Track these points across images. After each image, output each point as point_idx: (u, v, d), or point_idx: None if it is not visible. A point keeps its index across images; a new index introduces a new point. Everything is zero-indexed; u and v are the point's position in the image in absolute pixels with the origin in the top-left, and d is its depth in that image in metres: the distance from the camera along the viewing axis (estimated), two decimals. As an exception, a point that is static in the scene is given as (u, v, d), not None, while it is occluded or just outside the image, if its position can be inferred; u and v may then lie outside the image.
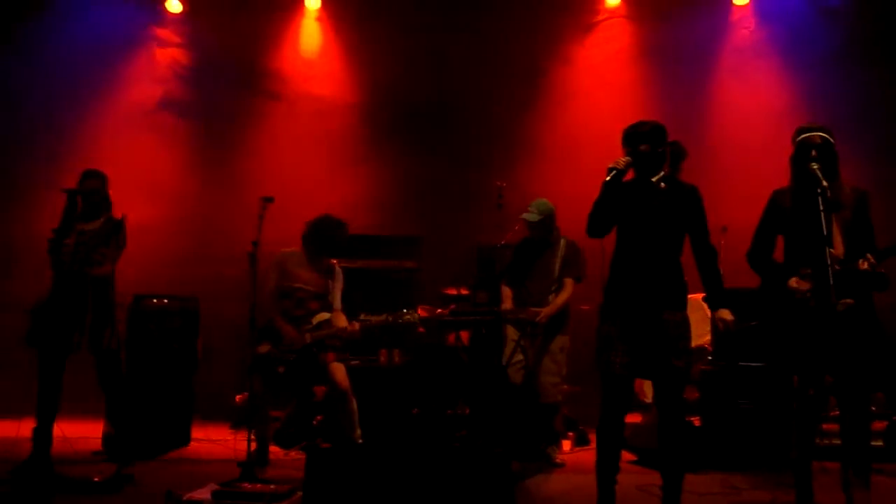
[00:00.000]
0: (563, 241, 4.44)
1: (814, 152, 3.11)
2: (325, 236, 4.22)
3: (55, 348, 3.93)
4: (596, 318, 3.46)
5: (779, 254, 3.35)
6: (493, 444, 4.04)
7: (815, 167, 3.05)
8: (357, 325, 4.10)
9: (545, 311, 4.31)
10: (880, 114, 5.88)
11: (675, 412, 3.07)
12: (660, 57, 6.34)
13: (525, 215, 4.38)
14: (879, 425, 4.35)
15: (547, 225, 4.39)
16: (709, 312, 4.75)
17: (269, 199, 3.94)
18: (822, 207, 2.97)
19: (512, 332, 4.41)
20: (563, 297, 4.37)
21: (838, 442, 3.69)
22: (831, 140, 3.16)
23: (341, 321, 4.16)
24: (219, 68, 6.59)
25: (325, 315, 4.15)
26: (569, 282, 4.38)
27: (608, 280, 3.17)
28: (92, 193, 4.05)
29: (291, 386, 4.22)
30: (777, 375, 4.20)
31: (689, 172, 5.81)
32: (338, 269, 4.31)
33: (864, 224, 3.16)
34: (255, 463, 3.85)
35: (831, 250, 3.01)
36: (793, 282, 3.13)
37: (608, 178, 3.02)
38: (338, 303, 4.24)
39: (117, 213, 4.17)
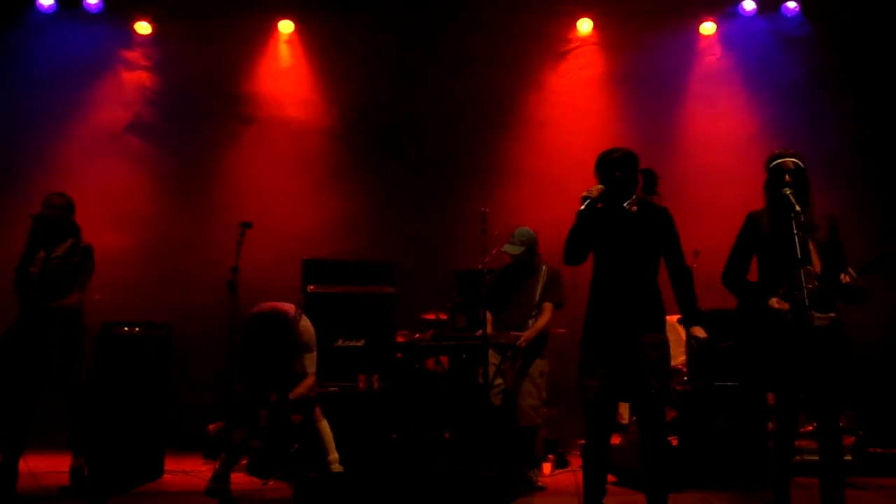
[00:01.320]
0: (544, 268, 4.50)
1: (787, 177, 3.23)
2: (264, 339, 4.12)
3: (23, 382, 3.79)
4: (571, 342, 3.49)
5: (752, 275, 3.45)
6: (481, 469, 4.02)
7: (788, 192, 3.17)
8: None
9: (525, 335, 4.35)
10: (843, 140, 6.11)
11: (657, 433, 3.12)
12: (630, 84, 6.53)
13: (507, 248, 4.41)
14: (847, 440, 4.48)
15: (529, 253, 4.44)
16: (683, 334, 4.87)
17: (247, 225, 3.91)
18: (795, 231, 3.08)
19: (493, 356, 4.42)
20: (543, 321, 4.41)
21: (811, 458, 3.81)
22: (803, 165, 3.29)
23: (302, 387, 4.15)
24: (190, 91, 6.53)
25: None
26: (548, 306, 4.44)
27: (588, 305, 3.21)
28: (56, 219, 3.94)
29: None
30: (752, 394, 4.29)
31: (661, 197, 5.97)
32: (307, 338, 4.22)
33: (836, 245, 3.28)
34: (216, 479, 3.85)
35: (810, 268, 3.12)
36: (773, 302, 3.21)
37: (582, 207, 3.09)
38: (311, 368, 4.22)
39: (86, 238, 4.07)
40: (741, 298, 3.41)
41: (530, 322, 4.41)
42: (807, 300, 3.03)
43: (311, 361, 4.23)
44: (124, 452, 4.37)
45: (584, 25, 6.65)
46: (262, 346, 4.10)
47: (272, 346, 4.11)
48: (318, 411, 4.15)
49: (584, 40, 6.68)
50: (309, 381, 4.20)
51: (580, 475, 3.10)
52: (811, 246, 3.19)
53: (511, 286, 4.48)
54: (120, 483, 4.26)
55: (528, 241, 4.42)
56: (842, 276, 3.14)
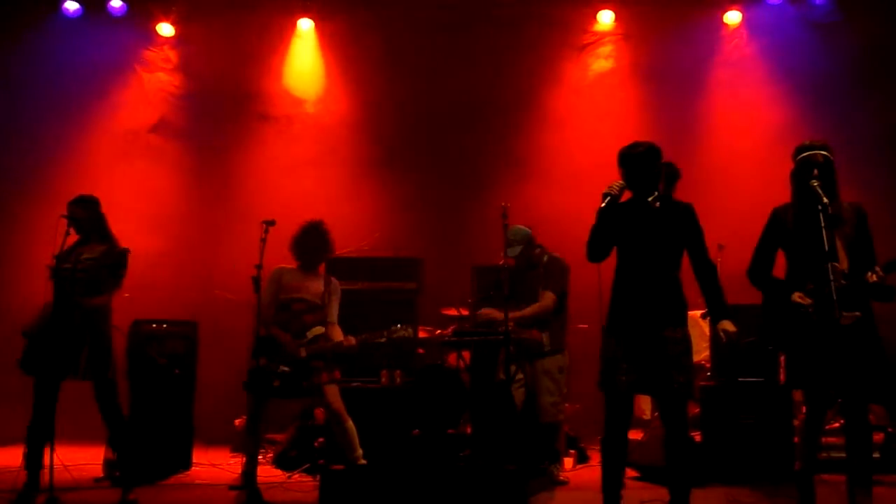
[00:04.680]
0: (546, 258, 4.45)
1: (815, 171, 3.18)
2: (315, 243, 4.24)
3: (50, 374, 3.91)
4: (594, 337, 3.49)
5: (779, 270, 3.39)
6: (502, 463, 4.05)
7: (816, 184, 3.12)
8: (354, 340, 4.11)
9: (514, 314, 4.21)
10: (876, 132, 5.95)
11: (680, 428, 3.13)
12: (653, 76, 6.42)
13: (508, 252, 4.35)
14: (877, 437, 4.41)
15: (527, 250, 4.41)
16: (706, 329, 4.84)
17: (270, 223, 3.94)
18: (823, 224, 3.04)
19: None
20: (536, 307, 4.31)
21: (838, 455, 3.77)
22: (831, 157, 3.24)
23: (338, 335, 4.17)
24: (212, 91, 6.62)
25: (319, 329, 4.15)
26: (546, 294, 4.33)
27: (610, 300, 3.22)
28: (82, 219, 4.05)
29: (286, 401, 4.21)
30: (779, 390, 4.24)
31: (684, 191, 5.88)
32: (335, 282, 4.34)
33: (865, 238, 3.23)
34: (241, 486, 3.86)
35: (836, 265, 3.08)
36: (796, 296, 3.19)
37: (604, 205, 3.09)
38: (334, 316, 4.25)
39: (119, 238, 4.17)
40: (767, 294, 3.37)
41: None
42: (834, 295, 2.98)
43: (336, 310, 4.28)
44: (154, 445, 4.50)
45: (606, 17, 6.56)
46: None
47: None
48: (343, 412, 4.16)
49: (606, 32, 6.60)
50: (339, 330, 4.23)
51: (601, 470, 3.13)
52: (838, 241, 3.15)
53: (517, 282, 4.43)
54: (150, 474, 4.39)
55: (523, 239, 4.39)
56: (869, 274, 3.10)
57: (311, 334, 4.10)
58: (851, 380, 3.08)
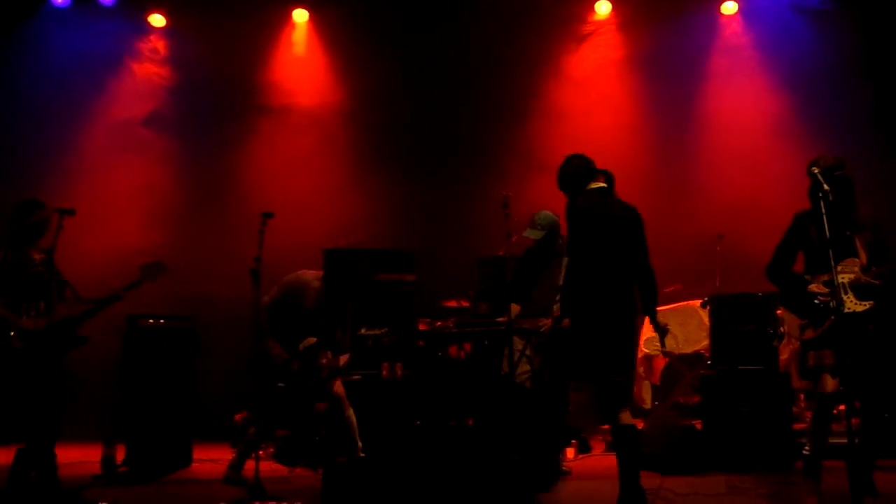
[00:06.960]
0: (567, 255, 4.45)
1: (816, 168, 3.23)
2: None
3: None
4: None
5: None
6: (508, 455, 4.05)
7: (816, 171, 3.19)
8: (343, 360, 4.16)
9: (550, 323, 4.32)
10: (869, 117, 5.96)
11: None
12: (651, 66, 6.44)
13: (528, 232, 4.34)
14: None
15: (551, 237, 4.40)
16: (705, 319, 4.86)
17: (269, 215, 3.90)
18: (823, 210, 3.09)
19: (517, 342, 4.41)
20: None
21: (837, 441, 3.82)
22: (845, 171, 3.29)
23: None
24: (207, 82, 6.55)
25: (311, 340, 4.12)
26: None
27: None
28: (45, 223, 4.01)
29: (291, 401, 4.20)
30: (779, 377, 4.29)
31: (685, 181, 5.97)
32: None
33: (882, 247, 3.34)
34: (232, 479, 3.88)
35: (856, 259, 3.22)
36: (813, 287, 3.29)
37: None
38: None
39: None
40: (787, 289, 3.45)
41: (555, 307, 4.37)
42: (836, 280, 3.06)
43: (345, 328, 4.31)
44: (154, 441, 4.47)
45: (603, 7, 6.56)
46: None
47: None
48: (345, 399, 4.18)
49: (603, 22, 6.60)
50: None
51: (603, 460, 3.18)
52: (859, 243, 3.28)
53: (534, 271, 4.43)
54: (151, 471, 4.36)
55: (549, 225, 4.36)
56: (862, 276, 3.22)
57: (302, 346, 4.08)
58: (863, 369, 3.18)
